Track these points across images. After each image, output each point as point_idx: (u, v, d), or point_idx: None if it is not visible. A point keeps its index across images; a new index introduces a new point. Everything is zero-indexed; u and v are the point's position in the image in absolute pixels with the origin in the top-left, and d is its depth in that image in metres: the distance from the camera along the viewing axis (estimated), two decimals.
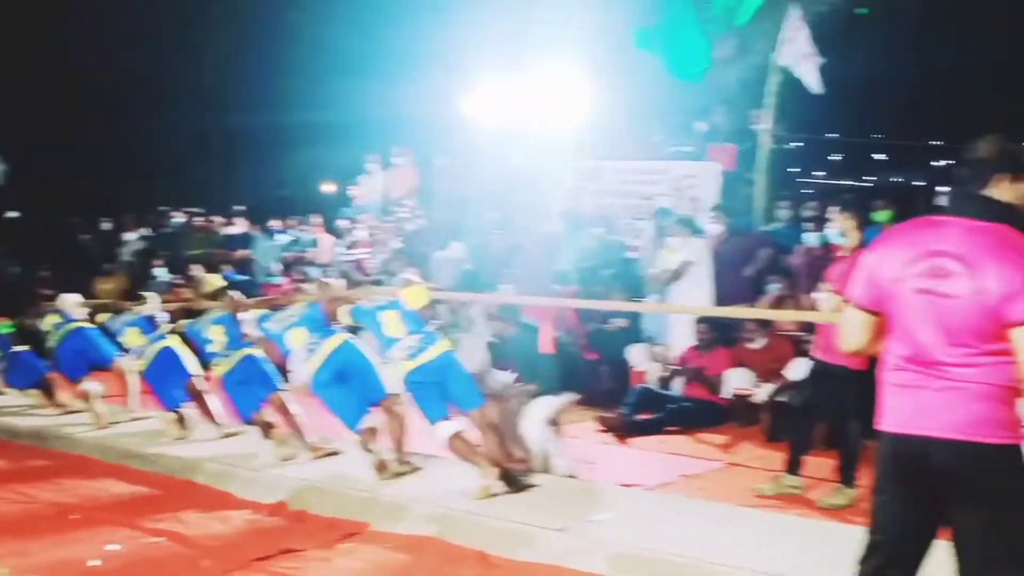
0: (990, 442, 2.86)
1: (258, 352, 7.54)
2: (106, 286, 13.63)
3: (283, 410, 7.29)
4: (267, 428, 7.33)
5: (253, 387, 7.43)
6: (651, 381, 8.91)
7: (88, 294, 13.00)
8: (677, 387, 8.76)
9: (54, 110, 19.84)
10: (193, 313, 8.32)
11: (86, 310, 9.27)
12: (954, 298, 2.88)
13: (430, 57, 14.64)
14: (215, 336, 7.68)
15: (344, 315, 6.76)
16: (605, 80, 12.57)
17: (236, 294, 8.15)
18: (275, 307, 7.54)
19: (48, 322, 9.22)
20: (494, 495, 5.82)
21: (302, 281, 12.00)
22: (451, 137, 14.25)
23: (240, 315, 7.71)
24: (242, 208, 15.52)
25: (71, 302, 9.22)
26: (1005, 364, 2.86)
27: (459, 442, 6.06)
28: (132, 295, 11.86)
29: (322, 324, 6.79)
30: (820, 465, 6.23)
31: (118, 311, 8.98)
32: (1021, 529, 2.87)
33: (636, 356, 9.43)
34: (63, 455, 7.98)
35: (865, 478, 6.10)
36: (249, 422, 7.51)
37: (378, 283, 10.83)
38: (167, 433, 7.95)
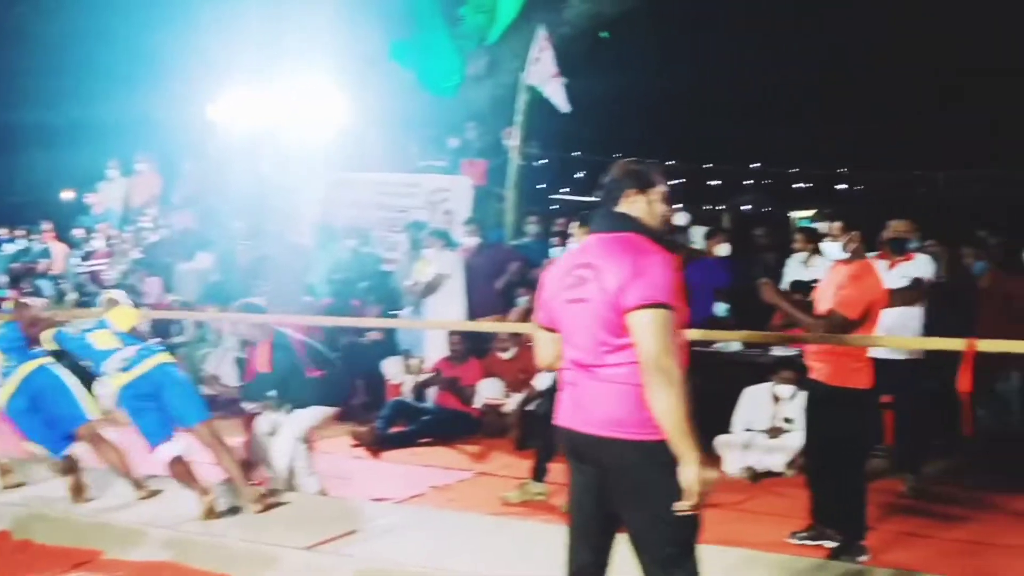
0: (628, 438, 3.10)
1: None
2: None
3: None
4: None
5: None
6: (405, 393, 8.94)
7: None
8: (431, 398, 8.83)
9: None
10: None
11: None
12: (588, 301, 3.17)
13: (176, 60, 14.01)
14: None
15: (47, 340, 6.38)
16: (359, 91, 12.50)
17: None
18: None
19: None
20: (218, 515, 5.69)
21: (31, 294, 11.19)
22: (198, 144, 13.71)
23: None
24: None
25: None
26: (636, 362, 3.09)
27: (179, 466, 5.86)
28: None
29: (19, 347, 6.34)
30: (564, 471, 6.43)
31: None
32: (660, 521, 3.10)
33: (391, 369, 9.43)
34: None
35: None
36: None
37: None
38: None
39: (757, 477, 6.93)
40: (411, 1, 13.34)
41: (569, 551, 3.33)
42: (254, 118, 12.47)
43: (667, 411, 2.99)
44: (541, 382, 7.72)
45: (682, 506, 3.01)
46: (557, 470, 6.39)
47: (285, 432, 6.35)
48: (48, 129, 17.61)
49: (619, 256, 3.14)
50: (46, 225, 13.36)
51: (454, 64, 13.43)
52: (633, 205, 3.31)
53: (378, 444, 8.11)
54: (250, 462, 6.34)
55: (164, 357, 6.12)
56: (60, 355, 6.51)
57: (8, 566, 5.30)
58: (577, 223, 6.55)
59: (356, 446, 8.15)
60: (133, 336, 6.16)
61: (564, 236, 10.22)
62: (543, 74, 11.20)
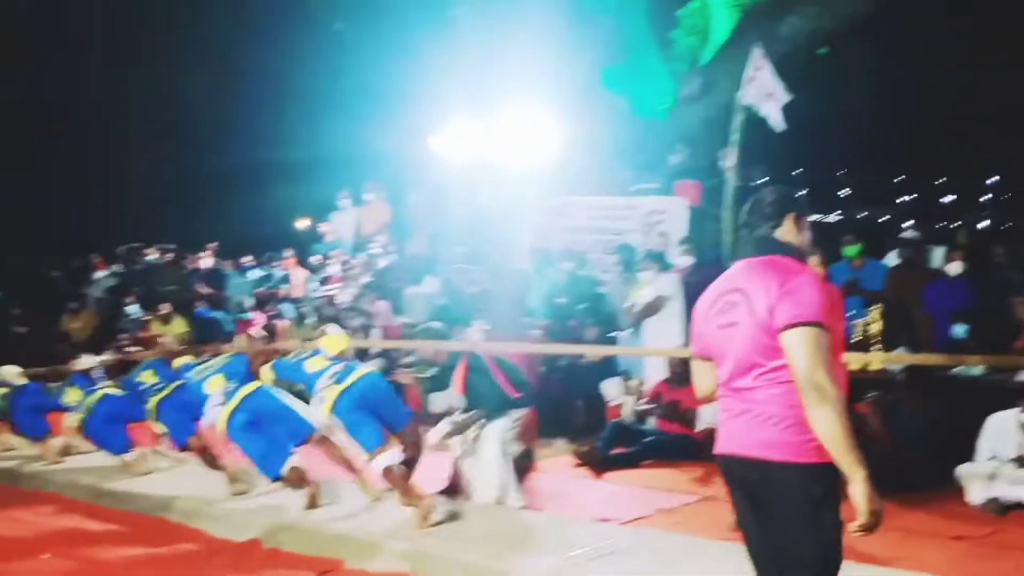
0: (781, 460, 3.09)
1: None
2: (74, 324, 13.59)
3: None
4: (209, 459, 7.45)
5: (187, 414, 7.48)
6: (626, 415, 8.96)
7: (57, 331, 12.97)
8: (651, 420, 8.81)
9: (23, 148, 19.73)
10: (128, 366, 8.49)
11: (24, 378, 9.46)
12: (738, 325, 3.19)
13: (401, 94, 14.73)
14: (147, 379, 7.85)
15: (266, 373, 6.90)
16: (573, 118, 12.72)
17: (170, 340, 8.32)
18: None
19: None
20: (432, 524, 5.94)
21: (274, 317, 12.00)
22: (424, 173, 14.33)
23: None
24: (214, 244, 15.51)
25: (10, 372, 9.46)
26: (792, 383, 3.06)
27: (394, 472, 6.16)
28: (101, 332, 11.87)
29: (243, 376, 6.89)
30: None
31: (56, 376, 9.20)
32: (806, 545, 3.09)
33: (611, 390, 9.48)
34: (36, 493, 7.92)
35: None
36: (184, 448, 7.67)
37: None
38: (132, 471, 8.03)
39: (1004, 509, 6.51)
40: (623, 28, 13.48)
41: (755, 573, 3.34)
42: (473, 148, 12.90)
43: (827, 429, 2.96)
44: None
45: (855, 526, 2.96)
46: None
47: (489, 448, 6.53)
48: (287, 165, 18.90)
49: (767, 278, 3.16)
50: (287, 253, 14.31)
51: (667, 87, 13.46)
52: (790, 230, 3.33)
53: (600, 465, 8.16)
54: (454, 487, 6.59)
55: (368, 368, 6.59)
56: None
57: (260, 572, 5.69)
58: None
59: (578, 465, 8.24)
60: (341, 360, 6.63)
61: None
62: (759, 93, 11.01)
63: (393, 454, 6.21)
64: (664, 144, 12.87)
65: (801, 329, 3.02)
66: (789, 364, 3.04)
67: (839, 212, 14.87)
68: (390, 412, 6.42)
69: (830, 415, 2.94)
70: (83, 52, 19.57)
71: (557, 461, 8.41)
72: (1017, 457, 6.67)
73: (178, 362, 7.66)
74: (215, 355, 7.59)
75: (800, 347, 3.01)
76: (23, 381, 9.40)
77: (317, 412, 6.51)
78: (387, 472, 6.15)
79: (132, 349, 9.58)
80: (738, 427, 3.22)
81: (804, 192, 3.55)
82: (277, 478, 6.63)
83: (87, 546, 6.34)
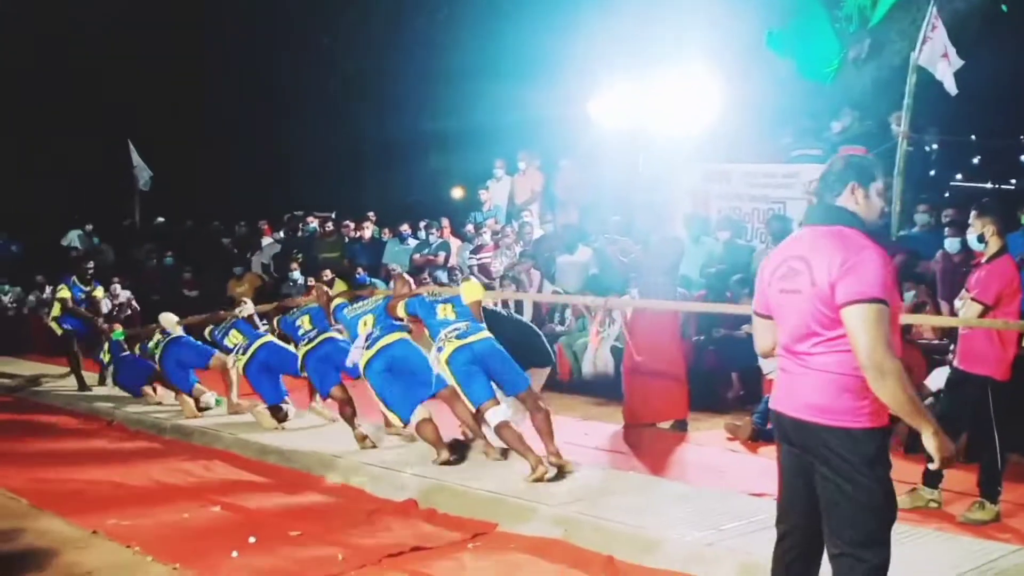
0: (831, 424, 3.24)
1: (339, 336, 8.08)
2: (239, 288, 14.23)
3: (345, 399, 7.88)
4: (348, 413, 7.84)
5: (332, 366, 7.99)
6: None
7: (224, 294, 13.61)
8: None
9: (193, 120, 20.68)
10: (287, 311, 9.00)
11: (181, 327, 10.05)
12: (800, 293, 3.29)
13: (558, 61, 14.70)
14: (304, 324, 8.30)
15: (399, 309, 7.19)
16: (734, 82, 12.39)
17: (327, 288, 8.86)
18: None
19: (153, 340, 10.04)
20: (547, 479, 6.30)
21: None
22: (578, 140, 14.27)
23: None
24: (373, 213, 15.92)
25: (169, 321, 10.00)
26: (849, 351, 3.19)
27: (507, 431, 6.51)
28: (264, 296, 12.40)
29: (386, 317, 7.25)
30: (960, 478, 6.02)
31: (217, 322, 9.62)
32: (853, 507, 3.23)
33: (767, 364, 9.26)
34: (207, 450, 8.35)
35: (1009, 493, 5.89)
36: (327, 397, 8.17)
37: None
38: (263, 424, 8.51)
39: None
40: None
41: (778, 521, 3.58)
42: (631, 113, 12.74)
43: (892, 400, 3.12)
44: (935, 381, 7.26)
45: (936, 467, 3.25)
46: (951, 476, 6.01)
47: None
48: (441, 133, 19.15)
49: (831, 250, 3.22)
50: (443, 221, 14.54)
51: (833, 49, 12.94)
52: (851, 199, 3.37)
53: (755, 439, 8.01)
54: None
55: (488, 334, 6.76)
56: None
57: (418, 532, 5.84)
58: (975, 212, 6.02)
59: (732, 439, 8.11)
60: (471, 313, 6.89)
61: (959, 226, 9.52)
62: (934, 54, 10.47)
63: (501, 411, 6.53)
64: (829, 108, 12.43)
65: (862, 306, 3.12)
66: (849, 338, 3.15)
67: (1016, 180, 13.97)
68: (506, 375, 6.68)
69: (893, 388, 3.10)
70: (250, 22, 20.31)
71: (710, 434, 8.30)
72: None
73: (335, 303, 7.95)
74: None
75: (860, 324, 3.12)
76: (179, 332, 9.94)
77: (434, 360, 6.82)
78: (499, 429, 6.52)
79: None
80: (794, 389, 3.37)
81: (874, 160, 3.52)
82: (407, 422, 7.00)
83: (251, 500, 6.62)
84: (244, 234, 16.88)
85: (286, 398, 8.73)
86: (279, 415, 8.58)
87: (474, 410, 6.69)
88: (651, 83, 12.46)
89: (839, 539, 3.29)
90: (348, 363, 7.45)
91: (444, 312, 6.93)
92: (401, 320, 7.24)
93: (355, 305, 7.67)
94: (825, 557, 3.44)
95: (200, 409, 9.45)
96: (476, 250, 13.60)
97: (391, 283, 8.94)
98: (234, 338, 9.15)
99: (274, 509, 6.38)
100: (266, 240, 16.22)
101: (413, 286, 7.78)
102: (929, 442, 3.16)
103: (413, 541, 5.57)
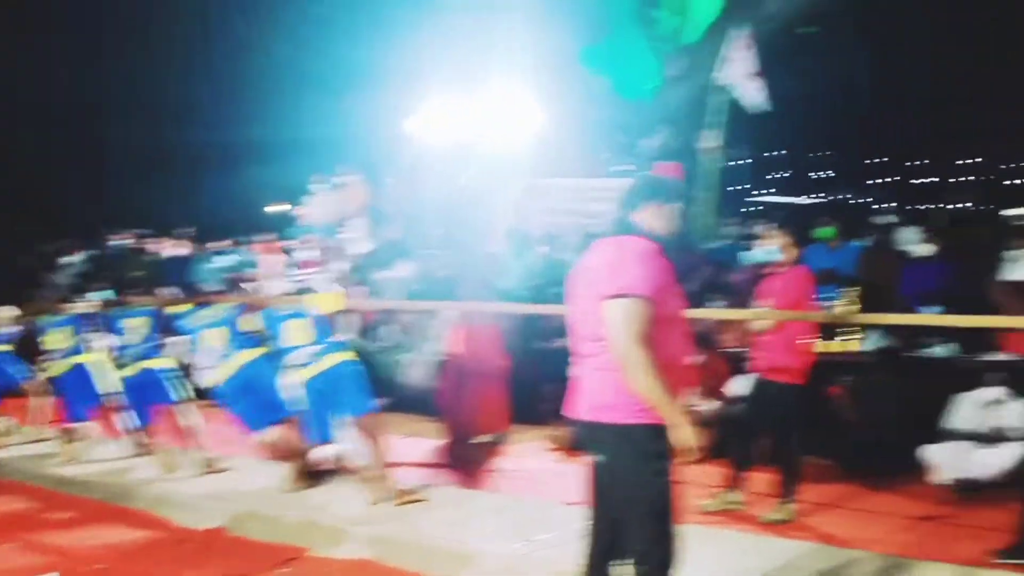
0: (608, 422, 3.39)
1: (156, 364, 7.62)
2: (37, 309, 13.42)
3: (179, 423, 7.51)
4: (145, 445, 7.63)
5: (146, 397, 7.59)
6: None
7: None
8: None
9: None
10: None
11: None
12: (587, 299, 3.45)
13: (377, 74, 14.58)
14: (135, 326, 7.79)
15: (252, 321, 6.96)
16: (552, 98, 12.59)
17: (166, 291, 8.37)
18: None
19: None
20: (412, 502, 6.12)
21: None
22: (401, 155, 14.17)
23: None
24: (189, 230, 15.33)
25: (5, 316, 9.31)
26: None
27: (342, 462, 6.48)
28: None
29: (240, 332, 7.01)
30: (762, 481, 6.25)
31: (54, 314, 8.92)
32: (633, 501, 3.41)
33: None
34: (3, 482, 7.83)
35: (806, 494, 6.17)
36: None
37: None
38: (68, 454, 8.01)
39: (968, 489, 6.48)
40: (604, 6, 13.34)
41: (588, 526, 3.68)
42: (450, 129, 12.76)
43: (644, 390, 3.27)
44: (735, 388, 7.53)
45: (681, 461, 3.35)
46: (755, 479, 6.23)
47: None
48: (258, 146, 18.70)
49: (610, 256, 3.44)
50: (258, 237, 14.13)
51: (651, 67, 13.32)
52: (644, 214, 3.55)
53: (575, 448, 8.09)
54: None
55: (348, 355, 6.48)
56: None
57: (227, 559, 5.62)
58: (774, 225, 6.31)
59: (553, 450, 8.18)
60: (328, 327, 6.56)
61: (762, 238, 9.94)
62: (739, 73, 10.93)
63: (331, 450, 6.46)
64: (649, 125, 12.79)
65: (618, 301, 3.29)
66: (610, 333, 3.30)
67: (819, 194, 14.78)
68: (353, 400, 6.36)
69: (645, 379, 3.25)
70: (54, 30, 19.33)
71: (531, 446, 8.35)
72: (983, 436, 6.65)
73: (172, 310, 7.59)
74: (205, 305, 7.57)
75: (614, 318, 3.29)
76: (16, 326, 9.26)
77: (289, 380, 6.54)
78: (336, 461, 6.47)
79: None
80: (581, 392, 3.52)
81: (677, 182, 3.80)
82: (260, 438, 6.81)
83: (49, 535, 6.25)
84: (47, 252, 15.94)
85: (89, 420, 8.24)
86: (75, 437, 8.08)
87: (310, 441, 6.47)
88: (472, 98, 12.53)
89: (626, 537, 3.45)
90: (200, 378, 7.12)
91: (296, 333, 6.58)
92: (255, 334, 6.96)
93: (199, 314, 7.35)
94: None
95: None
96: (295, 267, 13.26)
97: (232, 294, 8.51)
98: (57, 339, 8.45)
99: (77, 543, 6.03)
100: (70, 258, 15.36)
101: (264, 299, 7.45)
102: (678, 433, 3.31)
103: (223, 570, 5.36)
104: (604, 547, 3.64)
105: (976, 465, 6.53)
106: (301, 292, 10.14)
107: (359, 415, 6.33)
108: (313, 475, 6.75)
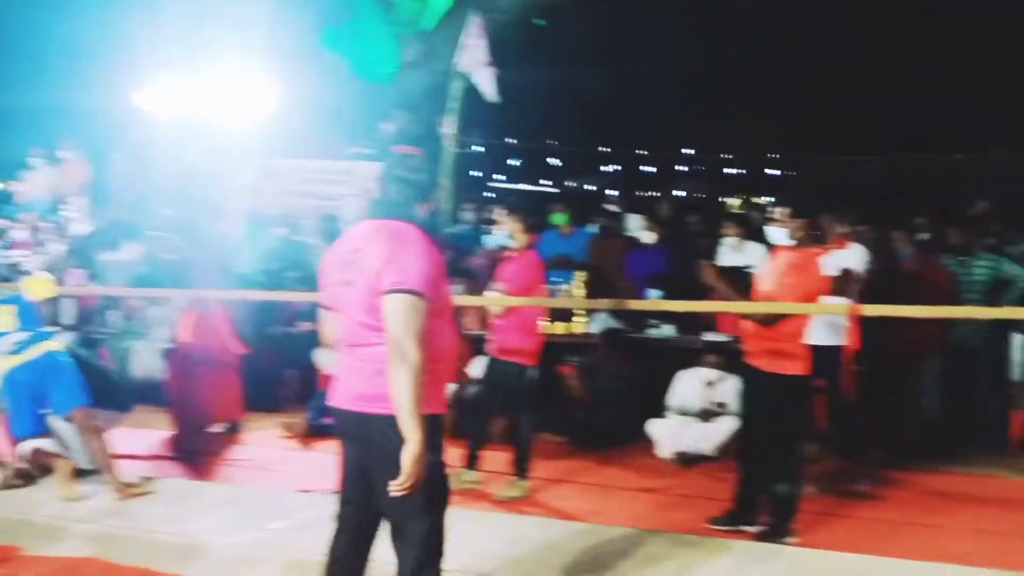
0: (378, 412, 3.29)
1: None
2: None
3: None
4: None
5: None
6: None
7: None
8: None
9: None
10: None
11: None
12: (354, 284, 3.36)
13: (103, 44, 13.68)
14: None
15: None
16: (290, 77, 12.31)
17: None
18: None
19: None
20: (78, 499, 5.81)
21: None
22: (128, 131, 13.40)
23: None
24: None
25: None
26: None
27: (41, 456, 5.96)
28: None
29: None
30: (498, 459, 6.42)
31: None
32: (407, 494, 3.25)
33: (323, 359, 9.28)
34: None
35: (539, 470, 6.40)
36: None
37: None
38: None
39: (690, 461, 6.96)
40: None
41: (337, 513, 3.62)
42: (182, 105, 12.21)
43: (401, 391, 3.17)
44: (474, 370, 7.68)
45: (398, 484, 3.18)
46: (490, 458, 6.39)
47: None
48: None
49: (381, 242, 3.34)
50: None
51: (390, 51, 13.30)
52: (404, 196, 3.51)
53: (310, 435, 7.99)
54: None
55: (56, 345, 5.98)
56: None
57: None
58: (506, 211, 6.50)
59: (287, 437, 8.02)
60: (38, 316, 6.03)
61: (496, 223, 10.19)
62: (474, 61, 11.11)
63: (39, 442, 5.91)
64: (384, 109, 12.74)
65: (400, 296, 3.23)
66: (387, 327, 3.23)
67: (553, 182, 15.31)
68: (63, 393, 5.88)
69: (405, 377, 3.16)
70: None
71: (264, 434, 8.15)
72: (701, 411, 7.16)
73: None
74: None
75: (395, 312, 3.21)
76: None
77: None
78: (33, 455, 5.95)
79: None
80: (348, 382, 3.44)
81: (424, 162, 3.66)
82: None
83: None
84: None
85: None
86: None
87: (16, 437, 5.91)
88: (205, 74, 12.02)
89: (394, 527, 3.41)
90: None
91: (3, 319, 5.95)
92: None
93: None
94: (384, 548, 3.50)
95: None
96: (10, 247, 12.27)
97: None
98: None
99: None
100: None
101: None
102: (409, 450, 3.16)
103: None
104: (356, 538, 3.59)
105: (695, 439, 7.01)
106: (11, 275, 9.41)
107: (70, 409, 5.86)
108: (26, 472, 6.24)
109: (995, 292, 7.38)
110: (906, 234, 8.76)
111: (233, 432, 8.21)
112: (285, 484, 6.39)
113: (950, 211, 8.29)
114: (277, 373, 9.57)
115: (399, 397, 3.18)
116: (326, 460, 7.21)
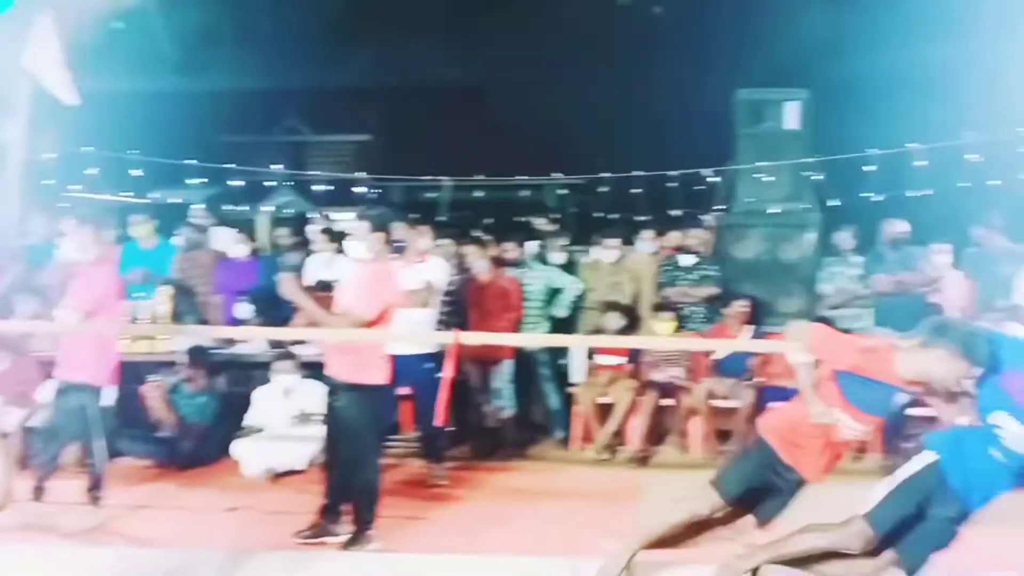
0: None
1: None
2: None
3: None
4: None
5: None
6: None
7: None
8: None
9: None
10: None
11: None
12: None
13: None
14: None
15: None
16: None
17: None
18: None
19: None
20: None
21: None
22: None
23: None
24: None
25: None
26: None
27: None
28: None
29: None
30: (69, 488, 6.02)
31: None
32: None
33: None
34: None
35: (120, 497, 6.09)
36: None
37: None
38: None
39: (275, 476, 6.93)
40: None
41: None
42: None
43: None
44: (44, 395, 7.14)
45: None
46: (61, 488, 5.99)
47: None
48: None
49: None
50: None
51: None
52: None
53: None
54: None
55: None
56: None
57: None
58: (73, 221, 6.18)
59: None
60: None
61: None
62: (45, 61, 10.29)
63: None
64: None
65: None
66: None
67: (134, 192, 14.54)
68: None
69: None
70: None
71: None
72: (285, 425, 7.16)
73: None
74: None
75: None
76: None
77: None
78: None
79: None
80: None
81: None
82: None
83: None
84: None
85: None
86: None
87: None
88: None
89: None
90: None
91: None
92: None
93: None
94: None
95: None
96: None
97: None
98: None
99: None
100: None
101: None
102: None
103: None
104: None
105: (280, 454, 7.00)
106: None
107: None
108: None
109: (550, 299, 8.34)
110: (479, 248, 9.34)
111: None
112: None
113: (511, 227, 9.13)
114: None
115: None
116: None
